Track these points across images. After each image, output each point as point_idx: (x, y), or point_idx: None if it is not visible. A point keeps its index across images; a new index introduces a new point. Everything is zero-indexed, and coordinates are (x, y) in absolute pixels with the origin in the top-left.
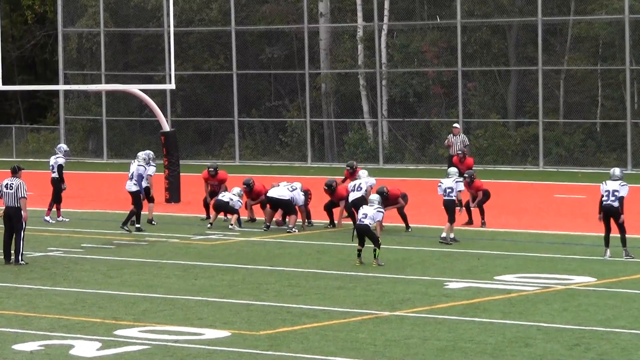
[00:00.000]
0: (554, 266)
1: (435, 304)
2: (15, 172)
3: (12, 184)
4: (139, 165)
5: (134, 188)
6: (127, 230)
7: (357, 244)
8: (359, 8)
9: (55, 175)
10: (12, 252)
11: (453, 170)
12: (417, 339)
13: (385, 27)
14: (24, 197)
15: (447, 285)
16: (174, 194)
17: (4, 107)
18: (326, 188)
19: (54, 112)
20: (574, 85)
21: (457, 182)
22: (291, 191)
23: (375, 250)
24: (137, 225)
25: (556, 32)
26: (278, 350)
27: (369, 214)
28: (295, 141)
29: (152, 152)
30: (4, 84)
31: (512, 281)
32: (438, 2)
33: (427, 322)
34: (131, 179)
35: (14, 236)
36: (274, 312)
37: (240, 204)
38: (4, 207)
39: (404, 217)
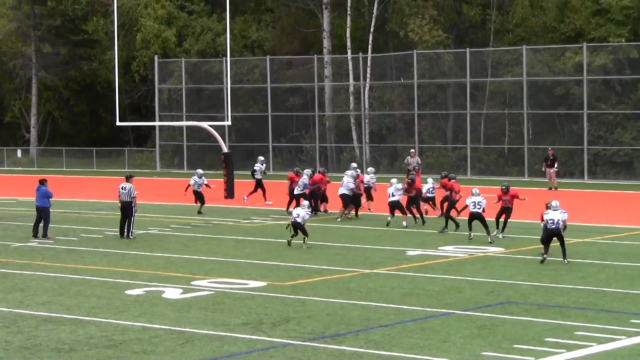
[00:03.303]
0: (477, 240)
1: (400, 264)
2: (128, 178)
3: (126, 186)
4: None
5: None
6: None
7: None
8: (351, 72)
9: (198, 189)
10: (125, 230)
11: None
12: (388, 287)
13: (367, 84)
14: (134, 196)
15: (407, 252)
16: (229, 193)
17: (120, 136)
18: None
19: (152, 139)
20: (490, 122)
21: (431, 189)
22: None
23: (305, 238)
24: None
25: (479, 88)
26: (297, 295)
27: (301, 214)
28: (308, 159)
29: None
30: (120, 121)
31: (450, 250)
32: (401, 68)
33: (394, 276)
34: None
35: (127, 220)
36: (294, 270)
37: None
38: (120, 202)
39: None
